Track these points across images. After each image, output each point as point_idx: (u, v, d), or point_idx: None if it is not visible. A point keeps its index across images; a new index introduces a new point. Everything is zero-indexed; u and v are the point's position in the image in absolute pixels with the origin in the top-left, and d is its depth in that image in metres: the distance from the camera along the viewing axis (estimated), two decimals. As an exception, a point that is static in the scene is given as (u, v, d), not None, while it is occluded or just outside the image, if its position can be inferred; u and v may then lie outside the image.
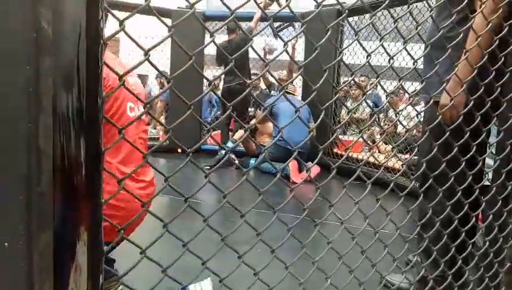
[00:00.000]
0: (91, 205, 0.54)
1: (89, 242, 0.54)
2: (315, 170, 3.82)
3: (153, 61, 0.61)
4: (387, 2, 0.87)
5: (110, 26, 0.54)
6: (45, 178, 0.43)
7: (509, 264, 1.16)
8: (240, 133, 4.41)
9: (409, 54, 0.95)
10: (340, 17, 0.84)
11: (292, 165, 3.77)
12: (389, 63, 0.89)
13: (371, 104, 5.39)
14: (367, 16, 3.88)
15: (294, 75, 4.72)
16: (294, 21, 4.54)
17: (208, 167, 3.75)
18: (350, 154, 4.08)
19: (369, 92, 6.29)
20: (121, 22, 0.56)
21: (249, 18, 4.43)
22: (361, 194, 0.91)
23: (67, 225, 0.50)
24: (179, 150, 4.85)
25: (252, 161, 4.17)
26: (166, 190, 0.66)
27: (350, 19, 4.26)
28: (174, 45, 4.46)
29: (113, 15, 0.56)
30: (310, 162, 3.77)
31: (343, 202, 0.86)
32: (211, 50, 5.06)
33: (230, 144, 4.37)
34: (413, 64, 0.91)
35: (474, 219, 1.14)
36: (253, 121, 4.59)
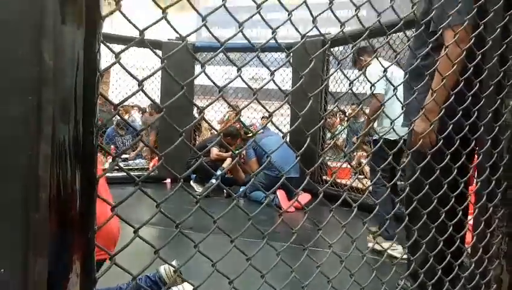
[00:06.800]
0: (85, 232, 0.55)
1: (81, 270, 0.54)
2: (306, 197, 3.80)
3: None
4: (366, 33, 0.92)
5: (102, 58, 0.57)
6: (42, 207, 0.44)
7: (495, 285, 1.17)
8: (228, 161, 4.42)
9: (389, 82, 1.00)
10: (323, 48, 0.88)
11: (280, 194, 3.78)
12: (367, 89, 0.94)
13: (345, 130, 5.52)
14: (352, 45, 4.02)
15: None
16: (281, 51, 4.67)
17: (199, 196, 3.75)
18: (339, 181, 4.10)
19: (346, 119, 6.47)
20: (117, 55, 0.59)
21: (239, 49, 4.55)
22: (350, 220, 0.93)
23: (61, 253, 0.50)
24: (168, 180, 4.83)
25: (242, 189, 4.18)
26: (156, 220, 0.67)
27: (336, 48, 4.39)
28: (164, 76, 4.53)
29: (109, 48, 0.59)
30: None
31: (333, 229, 0.87)
32: (200, 80, 5.15)
33: (218, 172, 4.37)
34: (393, 90, 0.96)
35: (459, 240, 1.17)
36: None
